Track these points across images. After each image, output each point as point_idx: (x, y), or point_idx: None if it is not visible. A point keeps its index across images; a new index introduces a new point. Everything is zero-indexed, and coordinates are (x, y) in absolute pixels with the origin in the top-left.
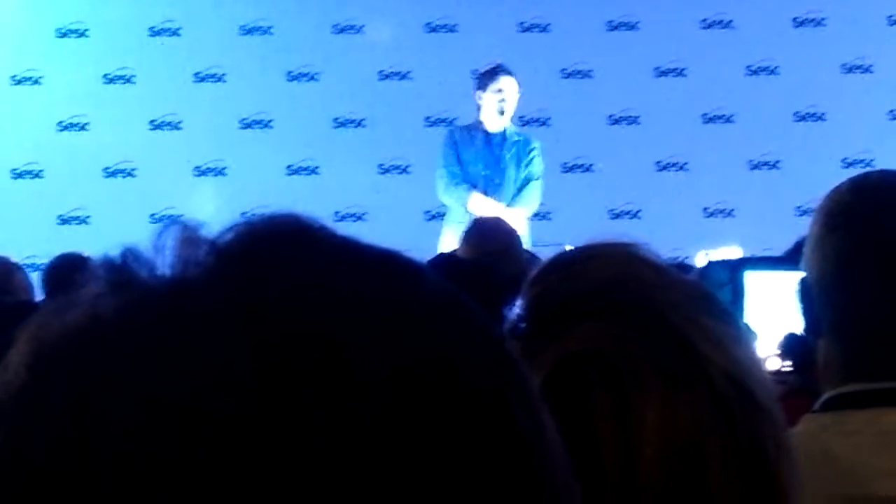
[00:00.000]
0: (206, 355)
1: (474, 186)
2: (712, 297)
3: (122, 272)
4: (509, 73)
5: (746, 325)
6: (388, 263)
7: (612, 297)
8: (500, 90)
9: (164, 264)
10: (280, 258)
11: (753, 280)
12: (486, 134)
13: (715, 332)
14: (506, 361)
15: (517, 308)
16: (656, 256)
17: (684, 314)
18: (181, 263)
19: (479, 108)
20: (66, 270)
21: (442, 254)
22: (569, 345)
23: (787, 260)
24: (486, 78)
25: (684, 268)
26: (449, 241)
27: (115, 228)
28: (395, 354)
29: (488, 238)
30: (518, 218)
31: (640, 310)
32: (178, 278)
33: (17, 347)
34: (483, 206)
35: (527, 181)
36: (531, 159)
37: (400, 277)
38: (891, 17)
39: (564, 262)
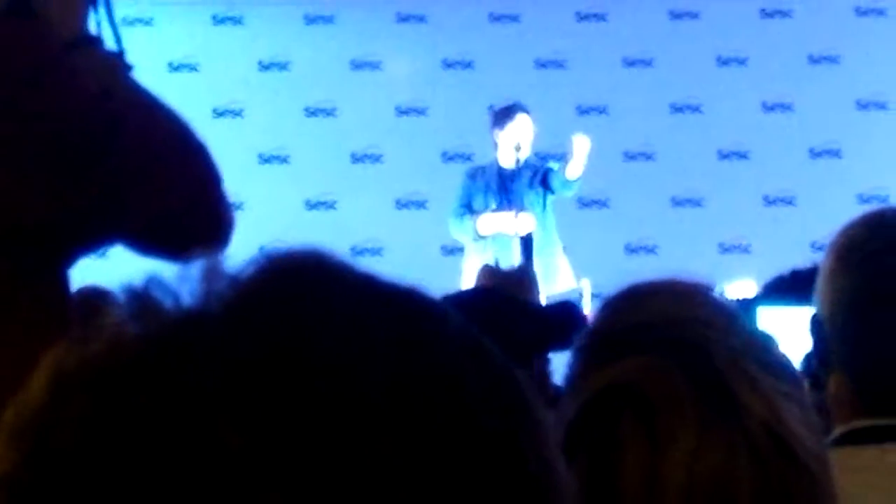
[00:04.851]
0: (221, 390)
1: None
2: (770, 350)
3: (145, 301)
4: (524, 110)
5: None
6: (407, 302)
7: (665, 334)
8: (516, 128)
9: (189, 294)
10: (299, 294)
11: (766, 316)
12: (500, 169)
13: (762, 384)
14: (521, 404)
15: (585, 331)
16: (725, 301)
17: (734, 361)
18: (204, 295)
19: (495, 146)
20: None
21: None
22: (611, 375)
23: (782, 289)
24: (501, 116)
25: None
26: (469, 274)
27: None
28: (409, 394)
29: (502, 284)
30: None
31: (689, 349)
32: (198, 311)
33: (40, 370)
34: (492, 221)
35: (550, 171)
36: (549, 168)
37: (419, 316)
38: None
39: (631, 294)
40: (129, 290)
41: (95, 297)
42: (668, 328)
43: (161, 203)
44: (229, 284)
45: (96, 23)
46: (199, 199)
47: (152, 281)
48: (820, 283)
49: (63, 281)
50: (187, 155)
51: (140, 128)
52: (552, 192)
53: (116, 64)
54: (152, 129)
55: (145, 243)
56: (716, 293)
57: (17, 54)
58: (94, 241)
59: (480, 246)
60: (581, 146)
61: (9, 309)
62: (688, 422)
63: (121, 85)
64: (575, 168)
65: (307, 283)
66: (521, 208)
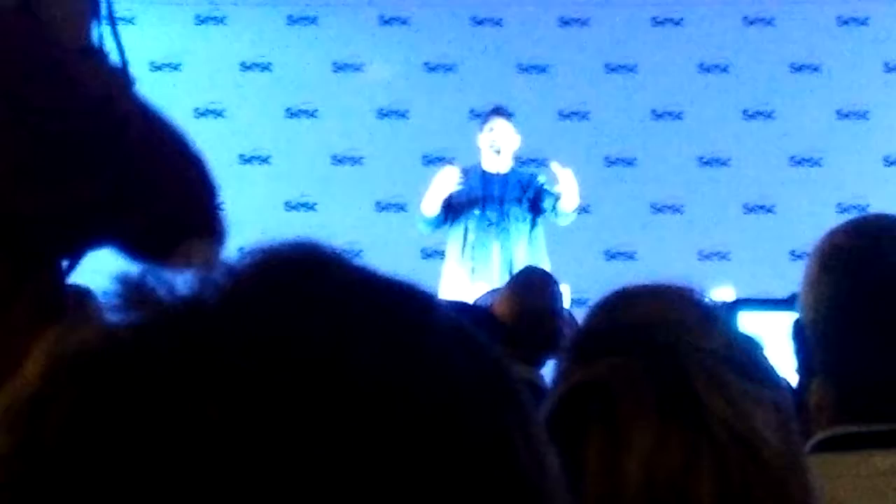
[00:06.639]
0: (214, 379)
1: (465, 226)
2: (749, 353)
3: (140, 290)
4: (504, 114)
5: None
6: (401, 294)
7: (640, 336)
8: (492, 129)
9: (184, 285)
10: (294, 285)
11: (747, 321)
12: (484, 173)
13: (732, 387)
14: (512, 399)
15: (573, 332)
16: (708, 304)
17: (703, 363)
18: (199, 285)
19: (480, 150)
20: None
21: (481, 307)
22: (584, 374)
23: (782, 301)
24: (482, 119)
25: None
26: (448, 277)
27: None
28: (401, 389)
29: (534, 294)
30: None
31: (660, 351)
32: (194, 301)
33: (35, 358)
34: (429, 197)
35: (543, 191)
36: (541, 186)
37: (412, 310)
38: (887, 63)
39: (616, 297)
40: (123, 280)
41: (78, 295)
42: (643, 330)
43: (158, 209)
44: (225, 274)
45: (98, 35)
46: (196, 208)
47: (147, 271)
48: (803, 289)
49: (60, 278)
50: (186, 165)
51: (142, 135)
52: (543, 213)
53: (119, 75)
54: (153, 138)
55: (138, 248)
56: (700, 297)
57: (26, 46)
58: (89, 241)
59: (456, 252)
60: (566, 178)
61: (10, 304)
62: (647, 422)
63: (124, 94)
64: (569, 201)
65: (303, 274)
66: (505, 214)
